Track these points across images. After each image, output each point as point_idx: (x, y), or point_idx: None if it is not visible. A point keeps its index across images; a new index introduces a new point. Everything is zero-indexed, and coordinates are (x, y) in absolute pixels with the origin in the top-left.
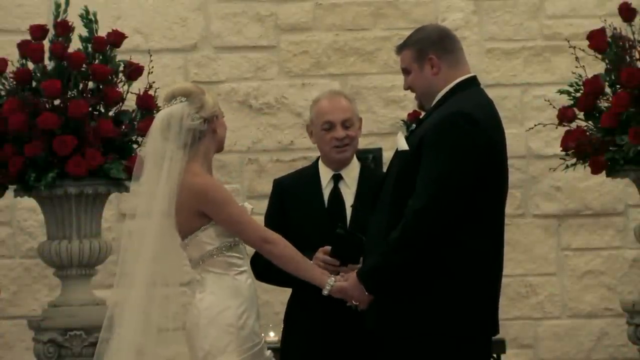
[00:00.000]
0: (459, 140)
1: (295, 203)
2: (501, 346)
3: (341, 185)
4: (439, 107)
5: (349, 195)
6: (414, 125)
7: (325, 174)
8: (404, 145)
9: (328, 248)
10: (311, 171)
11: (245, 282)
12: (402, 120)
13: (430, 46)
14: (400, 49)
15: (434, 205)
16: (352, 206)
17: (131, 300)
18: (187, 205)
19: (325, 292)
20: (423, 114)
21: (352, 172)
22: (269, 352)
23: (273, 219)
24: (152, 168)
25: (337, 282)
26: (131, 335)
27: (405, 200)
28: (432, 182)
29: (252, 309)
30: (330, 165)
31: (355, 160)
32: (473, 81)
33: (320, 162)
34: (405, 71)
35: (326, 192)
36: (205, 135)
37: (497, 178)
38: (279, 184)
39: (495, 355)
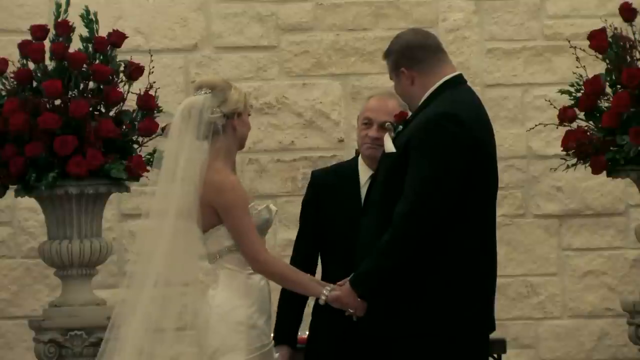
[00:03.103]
0: (445, 142)
1: (332, 197)
2: (502, 346)
3: None
4: (425, 107)
5: None
6: (400, 127)
7: (365, 172)
8: (391, 148)
9: None
10: (350, 168)
11: (259, 283)
12: (389, 122)
13: (400, 59)
14: (384, 60)
15: (421, 207)
16: None
17: (144, 300)
18: (207, 200)
19: (321, 302)
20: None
21: None
22: (277, 355)
23: (307, 210)
24: (177, 165)
25: (332, 291)
26: (141, 335)
27: (394, 202)
28: (418, 185)
29: (264, 310)
30: (368, 162)
31: None
32: (458, 79)
33: (360, 158)
34: (392, 80)
35: (364, 190)
36: (225, 132)
37: (485, 177)
38: (317, 176)
39: (495, 355)
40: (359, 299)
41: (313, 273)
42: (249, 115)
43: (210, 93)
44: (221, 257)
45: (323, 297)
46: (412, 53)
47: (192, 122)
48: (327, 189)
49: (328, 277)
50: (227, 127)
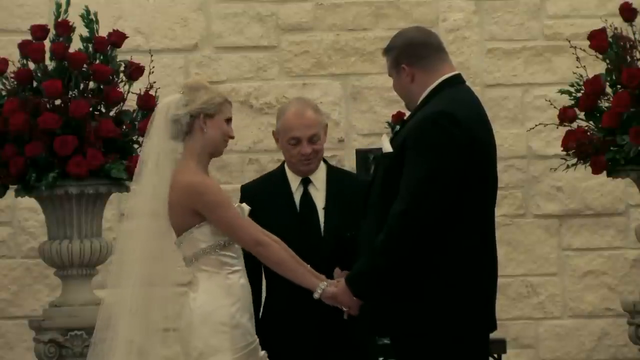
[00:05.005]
0: (441, 141)
1: (266, 208)
2: (502, 346)
3: (310, 189)
4: (422, 107)
5: (319, 198)
6: (398, 127)
7: (294, 179)
8: (388, 148)
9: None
10: (278, 176)
11: (238, 282)
12: (387, 122)
13: (402, 55)
14: (383, 55)
15: (416, 207)
16: (323, 208)
17: (126, 300)
18: (181, 203)
19: (315, 296)
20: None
21: (319, 175)
22: (262, 352)
23: None
24: (148, 166)
25: (329, 287)
26: (126, 335)
27: (392, 202)
28: (414, 184)
29: (246, 308)
30: (297, 172)
31: (321, 163)
32: (457, 79)
33: (286, 166)
34: (390, 76)
35: (296, 197)
36: (193, 132)
37: (483, 177)
38: (246, 190)
39: (495, 355)
40: (354, 298)
41: (260, 284)
42: (228, 120)
43: (183, 93)
44: (197, 259)
45: (319, 291)
46: (414, 50)
47: (163, 120)
48: (260, 200)
49: (273, 287)
50: (193, 127)
